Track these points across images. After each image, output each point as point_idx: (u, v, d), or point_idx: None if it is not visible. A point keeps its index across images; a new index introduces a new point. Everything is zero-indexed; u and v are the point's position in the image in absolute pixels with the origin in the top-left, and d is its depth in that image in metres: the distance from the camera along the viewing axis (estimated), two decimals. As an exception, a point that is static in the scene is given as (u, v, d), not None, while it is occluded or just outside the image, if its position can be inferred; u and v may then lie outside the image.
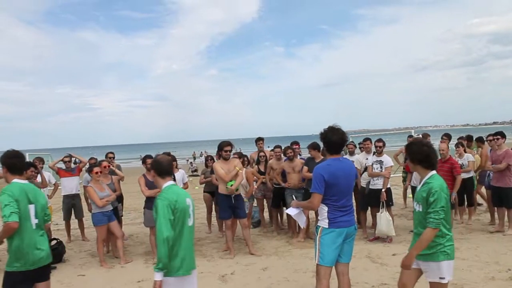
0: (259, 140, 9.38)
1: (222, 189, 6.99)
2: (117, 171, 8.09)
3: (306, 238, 7.66)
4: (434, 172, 3.64)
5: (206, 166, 9.17)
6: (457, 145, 8.62)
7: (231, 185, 6.82)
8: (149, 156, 7.28)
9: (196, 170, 27.88)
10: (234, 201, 6.96)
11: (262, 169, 8.57)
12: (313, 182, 3.91)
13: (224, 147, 6.95)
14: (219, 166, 6.92)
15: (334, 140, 3.92)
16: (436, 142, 9.31)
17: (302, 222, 4.82)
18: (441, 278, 3.49)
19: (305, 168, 7.50)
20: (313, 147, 7.59)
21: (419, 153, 3.64)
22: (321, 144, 4.81)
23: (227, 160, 6.99)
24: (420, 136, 9.82)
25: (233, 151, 7.43)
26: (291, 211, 4.47)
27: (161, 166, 3.71)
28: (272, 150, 8.91)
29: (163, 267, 3.33)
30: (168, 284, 3.39)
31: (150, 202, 6.98)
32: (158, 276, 3.33)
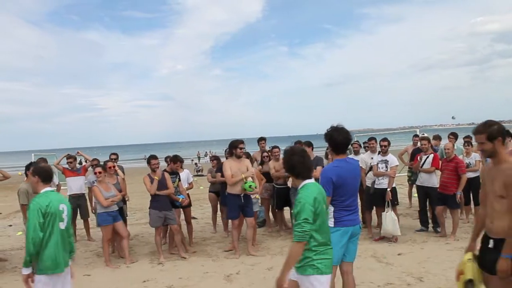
0: (261, 140, 9.33)
1: (231, 189, 6.97)
2: (118, 171, 8.11)
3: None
4: (308, 181, 3.37)
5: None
6: (465, 144, 8.58)
7: (249, 186, 6.76)
8: (153, 156, 7.30)
9: (201, 170, 27.94)
10: (243, 200, 6.94)
11: (266, 169, 8.55)
12: (321, 184, 3.88)
13: (238, 145, 6.95)
14: (229, 166, 6.90)
15: (339, 140, 3.92)
16: (443, 142, 9.27)
17: None
18: None
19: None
20: (307, 144, 7.64)
21: (287, 163, 3.47)
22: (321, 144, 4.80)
23: (239, 159, 6.98)
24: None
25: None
26: None
27: (46, 173, 4.06)
28: (269, 151, 8.90)
29: (28, 262, 3.80)
30: (40, 282, 3.84)
31: (155, 202, 7.01)
32: (25, 271, 3.84)
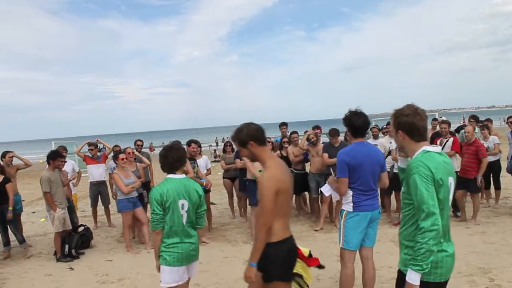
0: (282, 125, 9.31)
1: (251, 175, 6.97)
2: (143, 159, 8.19)
3: (329, 223, 7.64)
4: (170, 176, 3.66)
5: (224, 151, 9.15)
6: (482, 128, 8.44)
7: (259, 171, 6.76)
8: (177, 142, 7.34)
9: (218, 156, 28.10)
10: None
11: (284, 154, 8.53)
12: (337, 167, 3.93)
13: None
14: None
15: (358, 124, 3.90)
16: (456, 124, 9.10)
17: (336, 196, 4.74)
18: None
19: (325, 154, 7.43)
20: (331, 134, 7.54)
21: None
22: (340, 129, 4.77)
23: None
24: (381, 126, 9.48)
25: None
26: (325, 190, 4.45)
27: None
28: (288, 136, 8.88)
29: None
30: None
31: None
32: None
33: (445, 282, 2.55)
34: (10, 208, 6.90)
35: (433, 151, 2.55)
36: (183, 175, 3.73)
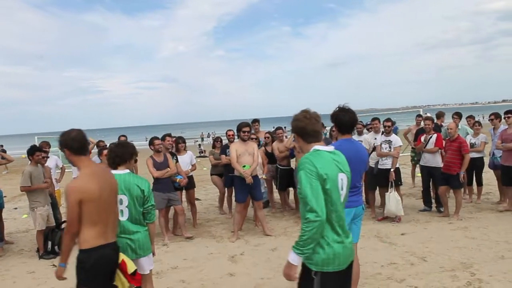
0: (254, 121, 9.21)
1: (237, 171, 6.95)
2: None
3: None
4: (112, 172, 3.68)
5: (214, 147, 9.14)
6: (475, 124, 8.56)
7: (243, 166, 6.75)
8: (156, 138, 7.30)
9: (203, 152, 28.07)
10: (251, 183, 6.90)
11: (269, 150, 8.54)
12: None
13: (242, 128, 6.91)
14: (234, 148, 6.87)
15: (345, 120, 3.90)
16: (448, 121, 9.23)
17: None
18: None
19: None
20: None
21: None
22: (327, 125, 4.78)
23: (245, 142, 6.94)
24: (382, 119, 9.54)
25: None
26: None
27: None
28: (270, 132, 8.90)
29: None
30: None
31: (158, 184, 7.02)
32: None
33: (344, 271, 2.74)
34: None
35: (324, 150, 2.79)
36: (126, 171, 3.78)
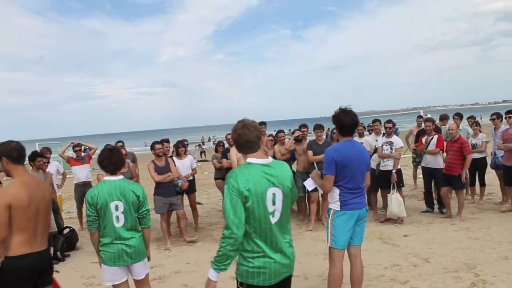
0: (261, 124, 9.22)
1: None
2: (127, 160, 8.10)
3: (316, 221, 7.64)
4: (107, 177, 3.74)
5: (216, 151, 9.13)
6: (474, 125, 8.54)
7: None
8: (157, 142, 7.30)
9: (204, 152, 28.34)
10: None
11: (271, 153, 8.52)
12: (325, 163, 3.93)
13: None
14: (234, 152, 6.87)
15: (346, 121, 3.89)
16: (449, 122, 9.23)
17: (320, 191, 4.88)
18: None
19: (310, 152, 7.45)
20: (316, 128, 7.61)
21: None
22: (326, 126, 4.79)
23: None
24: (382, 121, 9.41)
25: None
26: (308, 184, 4.46)
27: None
28: (272, 135, 8.89)
29: None
30: None
31: (159, 188, 7.02)
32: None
33: (273, 286, 2.69)
34: None
35: (256, 163, 2.69)
36: (120, 177, 3.78)
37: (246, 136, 2.70)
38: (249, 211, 2.58)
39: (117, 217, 3.65)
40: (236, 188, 2.56)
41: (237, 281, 2.74)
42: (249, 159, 2.72)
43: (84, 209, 8.87)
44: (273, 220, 2.66)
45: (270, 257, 2.65)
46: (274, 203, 2.65)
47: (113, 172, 3.74)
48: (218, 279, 2.68)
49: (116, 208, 3.64)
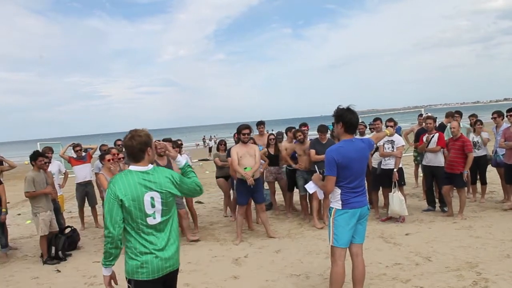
0: (260, 124, 9.25)
1: (239, 174, 6.94)
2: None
3: (319, 220, 7.63)
4: (131, 167, 3.36)
5: (218, 150, 9.12)
6: (477, 123, 8.51)
7: (248, 170, 6.72)
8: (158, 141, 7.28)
9: (210, 149, 28.75)
10: (253, 186, 6.84)
11: (271, 152, 8.52)
12: (326, 165, 3.90)
13: (242, 130, 6.90)
14: (235, 151, 6.87)
15: (348, 119, 3.89)
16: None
17: (321, 194, 4.86)
18: None
19: (312, 151, 7.44)
20: (321, 130, 7.57)
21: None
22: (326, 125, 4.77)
23: (246, 144, 6.94)
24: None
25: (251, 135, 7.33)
26: (310, 187, 4.46)
27: None
28: (271, 134, 8.94)
29: None
30: None
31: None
32: None
33: (158, 280, 2.95)
34: (4, 210, 6.82)
35: (136, 170, 2.94)
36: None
37: (130, 148, 2.95)
38: (127, 212, 2.86)
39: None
40: (114, 192, 2.84)
41: (126, 279, 2.98)
42: (130, 167, 2.98)
43: (85, 208, 8.93)
44: (154, 221, 2.93)
45: (152, 253, 2.91)
46: (153, 206, 2.91)
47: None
48: (110, 273, 3.02)
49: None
